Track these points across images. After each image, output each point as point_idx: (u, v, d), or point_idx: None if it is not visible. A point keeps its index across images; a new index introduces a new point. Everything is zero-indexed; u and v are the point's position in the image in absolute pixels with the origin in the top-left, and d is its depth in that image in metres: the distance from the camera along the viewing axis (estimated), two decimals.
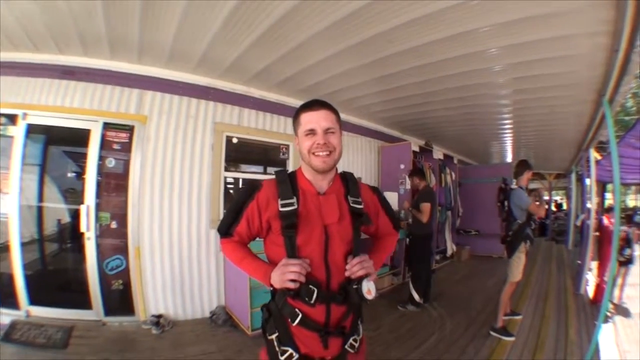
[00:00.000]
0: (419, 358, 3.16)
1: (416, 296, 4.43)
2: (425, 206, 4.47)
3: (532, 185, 11.50)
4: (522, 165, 3.87)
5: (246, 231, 1.32)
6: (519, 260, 3.66)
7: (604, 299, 3.16)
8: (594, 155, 5.41)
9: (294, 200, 1.25)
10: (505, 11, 2.55)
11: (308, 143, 1.26)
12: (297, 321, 1.21)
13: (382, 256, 1.48)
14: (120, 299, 3.69)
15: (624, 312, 4.62)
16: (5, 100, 3.43)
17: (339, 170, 1.42)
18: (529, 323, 3.95)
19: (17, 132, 3.45)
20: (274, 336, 1.27)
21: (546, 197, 13.52)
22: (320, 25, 2.81)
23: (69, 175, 4.06)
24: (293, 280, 1.15)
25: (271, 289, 1.30)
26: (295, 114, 1.33)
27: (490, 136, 7.32)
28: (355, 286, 1.20)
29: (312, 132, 1.26)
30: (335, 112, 1.31)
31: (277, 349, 1.25)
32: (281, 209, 1.23)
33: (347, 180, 1.40)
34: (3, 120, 3.46)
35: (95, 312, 3.61)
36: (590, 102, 4.24)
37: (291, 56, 3.44)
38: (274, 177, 1.33)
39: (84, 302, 3.59)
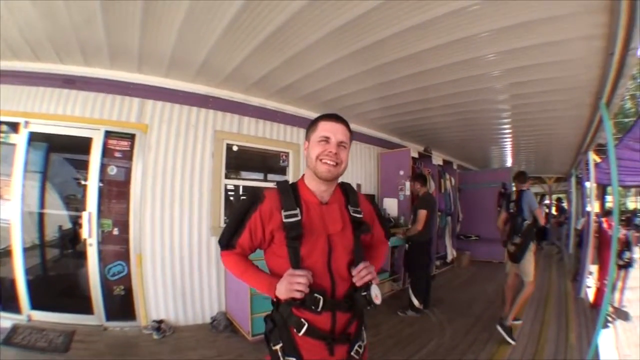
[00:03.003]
0: None
1: (416, 302, 4.44)
2: (421, 213, 4.48)
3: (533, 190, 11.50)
4: (523, 175, 4.03)
5: (248, 243, 1.32)
6: (531, 259, 3.72)
7: (604, 303, 3.16)
8: (593, 158, 5.40)
9: (298, 211, 1.25)
10: (500, 17, 2.57)
11: (319, 149, 1.28)
12: (302, 331, 1.22)
13: (378, 264, 1.49)
14: (121, 304, 3.72)
15: (623, 315, 4.62)
16: (7, 108, 3.47)
17: (339, 180, 1.44)
18: (528, 329, 3.96)
19: (19, 139, 3.49)
20: (278, 347, 1.26)
21: (547, 201, 13.55)
22: (318, 34, 2.84)
23: (71, 182, 4.10)
24: (300, 291, 1.15)
25: (275, 300, 1.30)
26: (314, 120, 1.36)
27: (489, 141, 7.31)
28: (364, 293, 1.22)
29: (326, 139, 1.28)
30: (350, 130, 1.36)
31: (281, 359, 1.26)
32: (285, 220, 1.23)
33: (347, 191, 1.42)
34: (5, 128, 3.51)
35: (97, 317, 3.64)
36: (588, 105, 4.25)
37: (290, 64, 3.47)
38: (275, 187, 1.34)
39: (85, 307, 3.62)
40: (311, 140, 1.33)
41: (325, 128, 1.30)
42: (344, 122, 1.34)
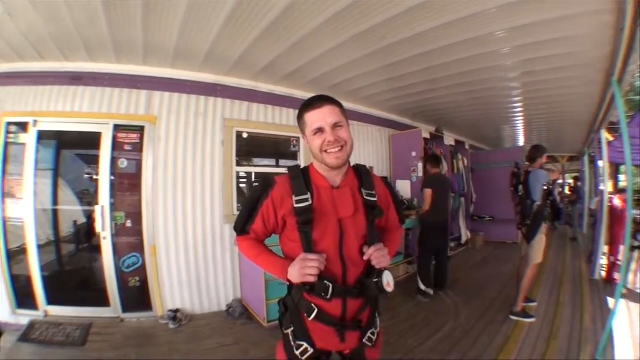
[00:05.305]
0: (433, 346, 3.16)
1: (422, 286, 4.40)
2: (426, 192, 4.41)
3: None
4: (537, 150, 3.86)
5: (262, 229, 1.32)
6: (541, 242, 3.67)
7: (618, 286, 3.10)
8: (605, 136, 5.29)
9: (308, 195, 1.24)
10: None
11: (318, 142, 1.24)
12: (313, 316, 1.22)
13: (392, 249, 1.45)
14: (137, 296, 3.76)
15: (638, 298, 4.56)
16: (16, 109, 3.52)
17: (352, 163, 1.41)
18: (544, 310, 3.91)
19: (29, 139, 3.52)
20: (289, 330, 1.28)
21: (560, 181, 13.39)
22: (322, 16, 2.80)
23: (83, 177, 4.13)
24: (312, 275, 1.15)
25: (288, 283, 1.31)
26: (299, 114, 1.32)
27: (501, 120, 7.23)
28: (375, 279, 1.20)
29: (320, 130, 1.24)
30: (339, 105, 1.29)
31: (292, 343, 1.27)
32: (296, 205, 1.22)
33: (361, 173, 1.38)
34: (14, 128, 3.54)
35: (113, 309, 3.69)
36: (599, 82, 4.19)
37: (296, 49, 3.44)
38: (286, 173, 1.32)
39: (101, 300, 3.68)
40: (307, 135, 1.30)
41: (313, 119, 1.25)
42: (329, 101, 1.27)
